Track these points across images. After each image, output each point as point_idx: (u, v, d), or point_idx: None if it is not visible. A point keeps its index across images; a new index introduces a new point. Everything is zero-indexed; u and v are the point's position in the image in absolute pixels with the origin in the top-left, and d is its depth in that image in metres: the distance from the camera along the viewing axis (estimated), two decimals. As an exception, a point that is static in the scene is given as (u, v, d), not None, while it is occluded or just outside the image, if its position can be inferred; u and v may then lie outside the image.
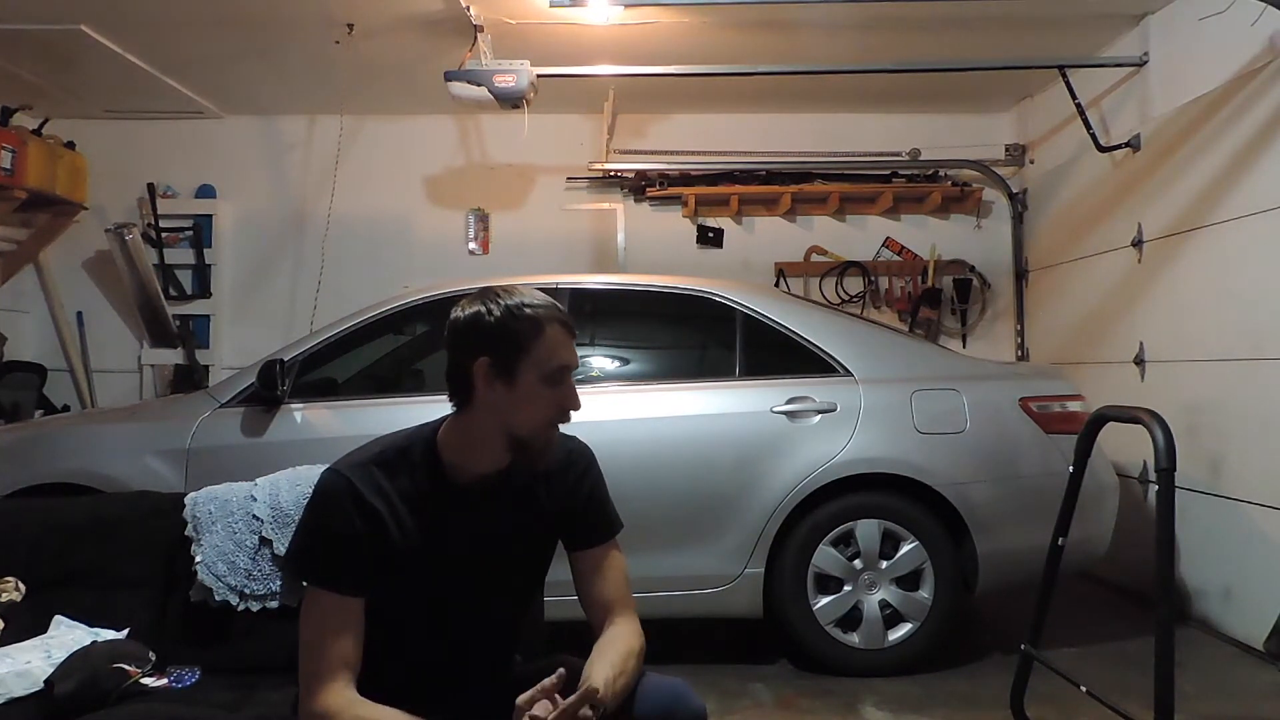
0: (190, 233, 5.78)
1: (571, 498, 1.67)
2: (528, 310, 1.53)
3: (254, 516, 2.33)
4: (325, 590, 1.51)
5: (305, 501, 2.34)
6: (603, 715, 1.41)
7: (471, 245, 5.84)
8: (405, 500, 1.56)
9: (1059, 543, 2.77)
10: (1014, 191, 5.84)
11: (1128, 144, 4.55)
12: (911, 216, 5.90)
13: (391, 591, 1.56)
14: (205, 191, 5.86)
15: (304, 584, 1.56)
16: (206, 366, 5.71)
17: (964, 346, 5.75)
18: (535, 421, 1.55)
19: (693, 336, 3.97)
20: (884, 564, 3.40)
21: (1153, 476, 3.74)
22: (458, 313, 1.57)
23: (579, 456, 1.71)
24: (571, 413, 1.57)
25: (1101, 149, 4.66)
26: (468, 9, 4.12)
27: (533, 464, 1.59)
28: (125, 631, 2.19)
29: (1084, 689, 2.59)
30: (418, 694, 1.53)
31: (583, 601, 1.67)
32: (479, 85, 4.23)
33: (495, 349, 1.52)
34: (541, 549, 1.70)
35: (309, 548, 1.56)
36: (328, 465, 1.61)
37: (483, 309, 1.54)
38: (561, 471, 1.68)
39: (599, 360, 3.80)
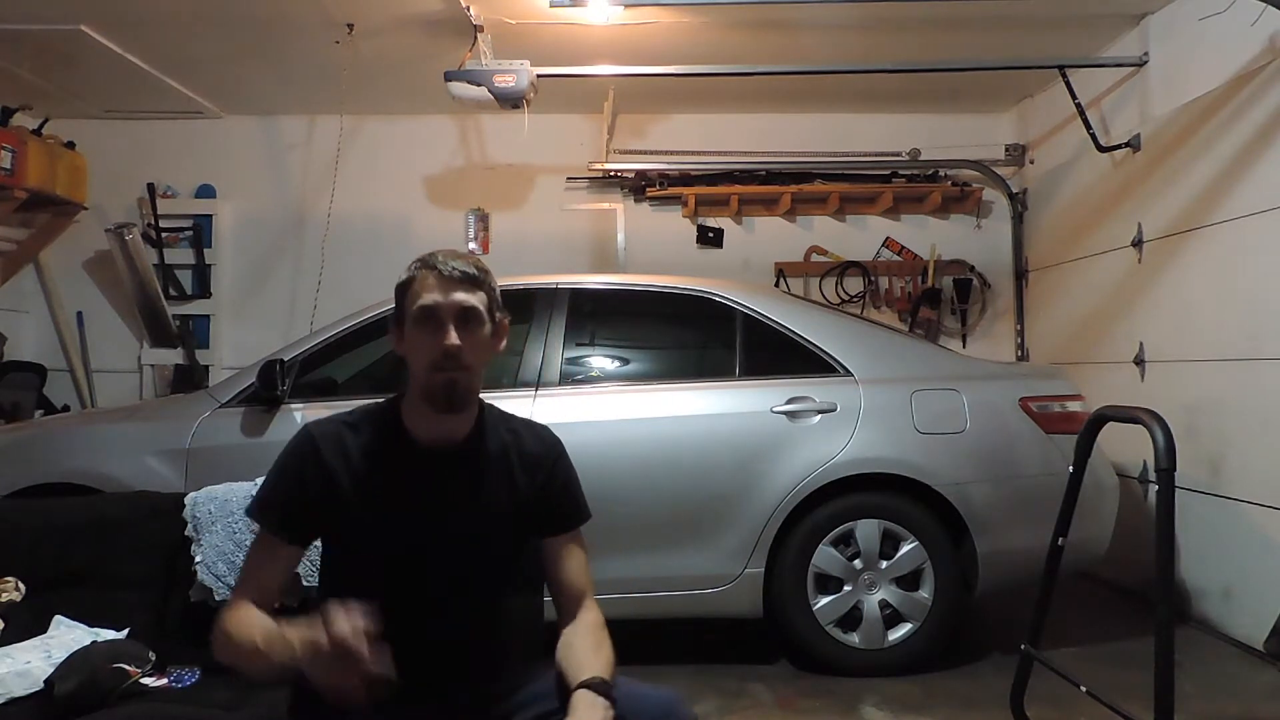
0: (190, 233, 5.78)
1: (549, 482, 1.72)
2: (414, 265, 1.62)
3: (254, 516, 2.33)
4: (266, 532, 1.62)
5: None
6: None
7: (471, 245, 5.83)
8: (367, 457, 1.62)
9: (1059, 543, 2.77)
10: (1014, 191, 5.84)
11: (1128, 144, 4.55)
12: (911, 216, 5.90)
13: (351, 547, 1.63)
14: (205, 191, 5.86)
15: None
16: (206, 366, 5.71)
17: (964, 346, 5.75)
18: (419, 366, 1.60)
19: (693, 336, 3.96)
20: (884, 564, 3.40)
21: (1153, 476, 3.73)
22: None
23: (553, 445, 1.77)
24: (449, 353, 1.56)
25: (1101, 149, 4.67)
26: (468, 9, 4.12)
27: (439, 409, 1.60)
28: (125, 631, 2.20)
29: (1084, 689, 2.59)
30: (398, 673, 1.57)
31: (551, 587, 1.74)
32: (479, 85, 4.23)
33: (396, 306, 1.64)
34: (509, 528, 1.69)
35: (262, 494, 1.66)
36: None
37: None
38: (537, 456, 1.73)
39: (599, 360, 3.79)
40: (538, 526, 1.72)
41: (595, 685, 1.49)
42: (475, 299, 1.60)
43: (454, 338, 1.56)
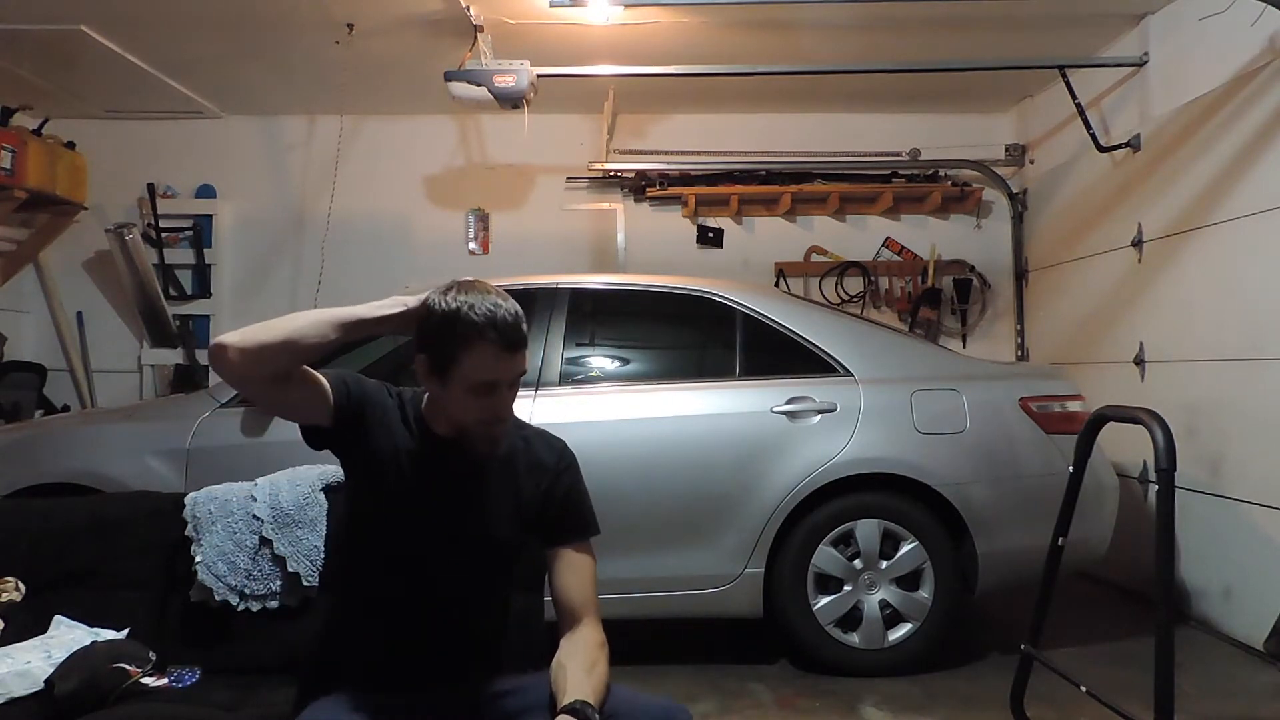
0: (190, 233, 5.79)
1: (552, 488, 1.73)
2: (462, 323, 1.55)
3: (254, 516, 2.33)
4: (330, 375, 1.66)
5: (305, 502, 2.36)
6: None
7: (471, 245, 5.84)
8: (403, 431, 1.69)
9: (1059, 543, 2.77)
10: (1014, 191, 5.84)
11: (1128, 144, 4.55)
12: (911, 216, 5.90)
13: (366, 505, 1.70)
14: (205, 191, 5.86)
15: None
16: (206, 366, 5.70)
17: (964, 346, 5.75)
18: (468, 421, 1.62)
19: (693, 336, 3.96)
20: (884, 564, 3.40)
21: (1153, 476, 3.74)
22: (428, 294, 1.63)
23: (562, 455, 1.78)
24: (501, 419, 1.63)
25: (1101, 149, 4.66)
26: (468, 9, 4.12)
27: (478, 451, 1.66)
28: (125, 631, 2.19)
29: (1084, 689, 2.59)
30: (393, 656, 1.64)
31: (554, 599, 1.72)
32: (479, 85, 4.23)
33: (431, 350, 1.60)
34: (508, 525, 1.72)
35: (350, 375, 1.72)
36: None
37: (435, 301, 1.59)
38: (544, 462, 1.74)
39: (599, 360, 3.79)
40: (540, 533, 1.73)
41: (577, 710, 1.46)
42: (526, 358, 1.61)
43: (508, 406, 1.62)
